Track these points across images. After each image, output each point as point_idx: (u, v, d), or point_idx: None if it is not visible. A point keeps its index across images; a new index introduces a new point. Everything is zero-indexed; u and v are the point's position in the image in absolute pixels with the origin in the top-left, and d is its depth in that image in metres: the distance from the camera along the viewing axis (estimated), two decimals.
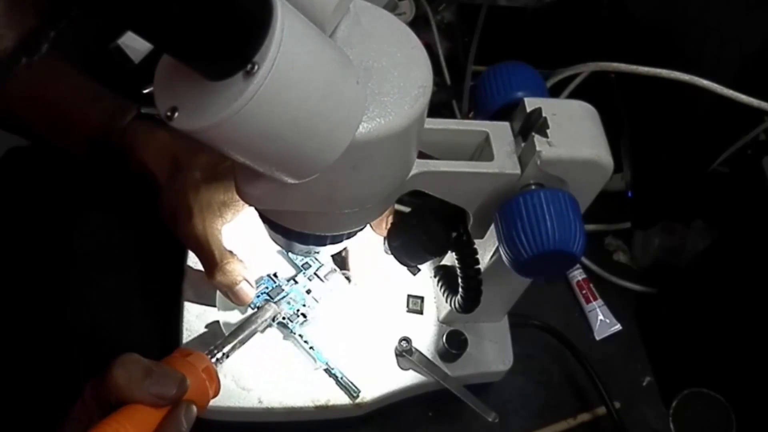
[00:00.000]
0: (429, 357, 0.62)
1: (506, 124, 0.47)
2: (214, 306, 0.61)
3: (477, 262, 0.51)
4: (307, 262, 0.65)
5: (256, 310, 0.61)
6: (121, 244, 0.70)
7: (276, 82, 0.30)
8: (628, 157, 0.78)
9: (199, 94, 0.31)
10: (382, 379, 0.61)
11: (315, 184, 0.37)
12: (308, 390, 0.59)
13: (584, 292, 0.74)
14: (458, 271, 0.52)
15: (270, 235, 0.49)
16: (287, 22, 0.31)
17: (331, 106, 0.34)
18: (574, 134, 0.45)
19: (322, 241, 0.47)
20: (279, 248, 0.64)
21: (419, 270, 0.67)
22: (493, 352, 0.64)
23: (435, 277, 0.60)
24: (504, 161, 0.46)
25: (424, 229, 0.52)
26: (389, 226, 0.56)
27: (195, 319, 0.61)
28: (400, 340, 0.61)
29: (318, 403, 0.59)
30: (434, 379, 0.61)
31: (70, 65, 0.64)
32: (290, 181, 0.36)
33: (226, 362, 0.54)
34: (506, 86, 0.49)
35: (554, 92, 0.71)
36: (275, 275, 0.64)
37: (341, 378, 0.60)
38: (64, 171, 0.71)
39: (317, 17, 0.34)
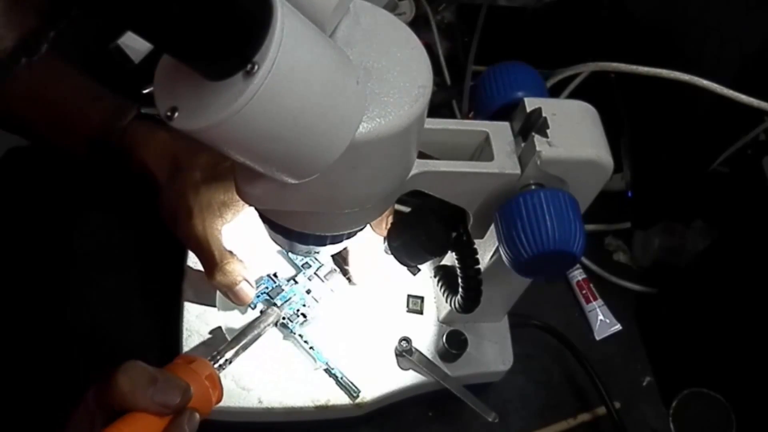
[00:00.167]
0: (429, 357, 0.62)
1: (506, 124, 0.47)
2: (214, 306, 0.61)
3: (477, 262, 0.51)
4: (307, 262, 0.65)
5: (258, 314, 0.61)
6: (121, 244, 0.70)
7: (276, 82, 0.30)
8: (628, 157, 0.78)
9: (199, 94, 0.31)
10: (382, 379, 0.61)
11: (315, 184, 0.37)
12: (308, 390, 0.59)
13: (584, 292, 0.74)
14: (458, 271, 0.52)
15: (270, 235, 0.49)
16: (287, 22, 0.31)
17: (331, 106, 0.34)
18: (574, 134, 0.45)
19: (322, 241, 0.47)
20: (279, 248, 0.64)
21: (419, 270, 0.67)
22: (493, 352, 0.64)
23: (435, 277, 0.60)
24: (504, 161, 0.46)
25: (424, 229, 0.52)
26: (389, 226, 0.56)
27: (195, 319, 0.61)
28: (400, 340, 0.61)
29: (318, 403, 0.59)
30: (434, 379, 0.61)
31: (70, 65, 0.64)
32: (290, 181, 0.36)
33: None
34: (506, 86, 0.49)
35: (554, 92, 0.71)
36: (275, 275, 0.64)
37: (341, 378, 0.60)
38: (64, 171, 0.71)
39: (317, 17, 0.34)
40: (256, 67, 0.30)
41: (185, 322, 0.61)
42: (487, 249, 0.54)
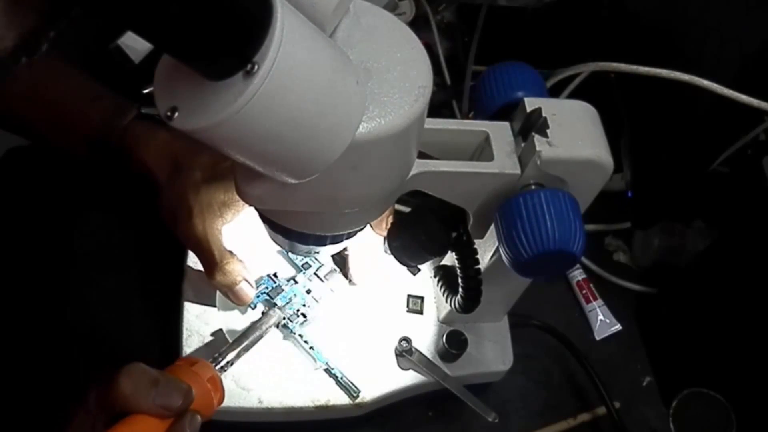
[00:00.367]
0: (429, 357, 0.62)
1: (506, 124, 0.47)
2: (214, 306, 0.61)
3: (477, 262, 0.51)
4: (307, 262, 0.65)
5: (260, 316, 0.61)
6: (121, 244, 0.70)
7: (276, 82, 0.30)
8: (628, 157, 0.78)
9: (199, 94, 0.31)
10: (382, 379, 0.61)
11: (315, 184, 0.37)
12: (308, 390, 0.59)
13: (584, 292, 0.74)
14: (458, 271, 0.52)
15: (270, 235, 0.49)
16: (287, 22, 0.31)
17: (331, 106, 0.34)
18: (574, 134, 0.45)
19: (322, 241, 0.47)
20: (279, 248, 0.64)
21: (419, 270, 0.67)
22: (493, 352, 0.64)
23: (435, 277, 0.60)
24: (504, 161, 0.46)
25: (424, 229, 0.52)
26: (389, 226, 0.56)
27: (195, 319, 0.61)
28: (400, 340, 0.61)
29: (318, 403, 0.59)
30: (434, 379, 0.61)
31: (70, 65, 0.64)
32: (290, 181, 0.36)
33: None
34: (506, 86, 0.49)
35: (554, 92, 0.71)
36: (275, 275, 0.64)
37: (341, 378, 0.60)
38: (64, 171, 0.71)
39: (317, 17, 0.34)
40: (256, 67, 0.30)
41: (185, 322, 0.61)
42: (487, 249, 0.54)
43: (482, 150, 0.47)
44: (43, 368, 0.62)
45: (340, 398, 0.59)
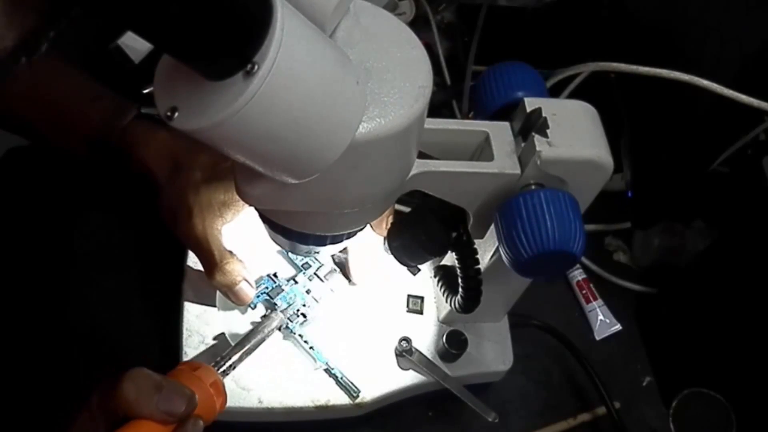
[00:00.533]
0: (429, 357, 0.62)
1: (506, 124, 0.47)
2: (214, 306, 0.61)
3: (477, 262, 0.51)
4: (307, 262, 0.65)
5: (261, 318, 0.60)
6: (121, 244, 0.70)
7: (276, 82, 0.30)
8: (628, 157, 0.78)
9: (199, 94, 0.31)
10: (382, 379, 0.61)
11: (315, 185, 0.37)
12: (308, 390, 0.59)
13: (584, 292, 0.74)
14: (458, 271, 0.52)
15: (270, 235, 0.49)
16: (287, 22, 0.31)
17: (331, 106, 0.34)
18: (574, 134, 0.45)
19: (322, 241, 0.47)
20: (279, 248, 0.64)
21: (419, 270, 0.67)
22: (493, 352, 0.64)
23: (435, 277, 0.60)
24: (504, 161, 0.46)
25: (424, 229, 0.52)
26: (389, 226, 0.56)
27: (195, 319, 0.61)
28: (400, 340, 0.61)
29: (318, 403, 0.59)
30: (434, 379, 0.61)
31: (70, 65, 0.64)
32: (290, 181, 0.36)
33: None
34: (506, 86, 0.49)
35: (554, 92, 0.71)
36: (275, 275, 0.64)
37: (341, 378, 0.60)
38: (64, 171, 0.71)
39: (317, 17, 0.34)
40: (256, 67, 0.30)
41: (185, 322, 0.61)
42: (487, 249, 0.54)
43: (482, 150, 0.47)
44: (43, 368, 0.62)
45: (340, 398, 0.59)
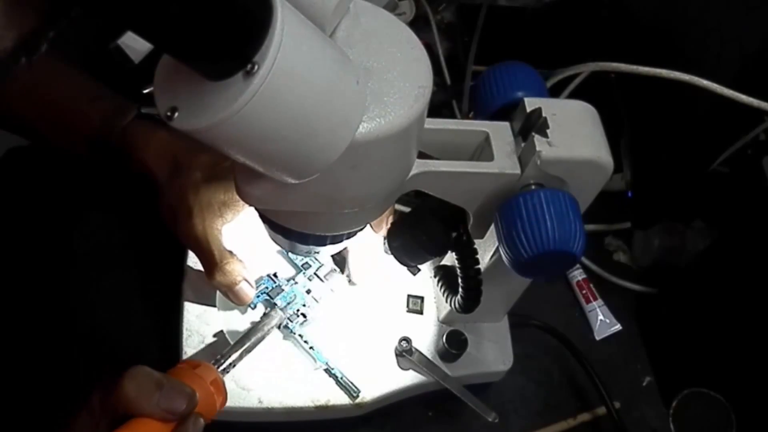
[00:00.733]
0: (429, 357, 0.62)
1: (506, 124, 0.47)
2: (214, 306, 0.61)
3: (477, 262, 0.51)
4: (307, 262, 0.65)
5: (261, 317, 0.60)
6: (121, 244, 0.70)
7: (276, 82, 0.30)
8: (628, 157, 0.78)
9: (199, 94, 0.31)
10: (382, 379, 0.61)
11: (315, 184, 0.37)
12: (308, 390, 0.59)
13: (584, 292, 0.74)
14: (458, 271, 0.52)
15: (270, 235, 0.49)
16: (287, 22, 0.31)
17: (331, 106, 0.34)
18: (574, 134, 0.45)
19: (322, 241, 0.47)
20: (279, 248, 0.64)
21: (419, 270, 0.67)
22: (493, 352, 0.64)
23: (435, 277, 0.60)
24: (504, 161, 0.46)
25: (424, 229, 0.52)
26: (389, 226, 0.56)
27: (195, 319, 0.61)
28: (400, 340, 0.61)
29: (318, 403, 0.59)
30: (434, 379, 0.61)
31: (70, 65, 0.64)
32: (290, 181, 0.36)
33: None
34: (506, 86, 0.49)
35: (554, 92, 0.71)
36: (275, 275, 0.64)
37: (341, 378, 0.60)
38: (64, 171, 0.71)
39: (317, 17, 0.34)
40: (256, 67, 0.30)
41: (185, 322, 0.61)
42: (487, 249, 0.54)
43: (482, 150, 0.47)
44: (44, 368, 0.62)
45: (340, 398, 0.59)
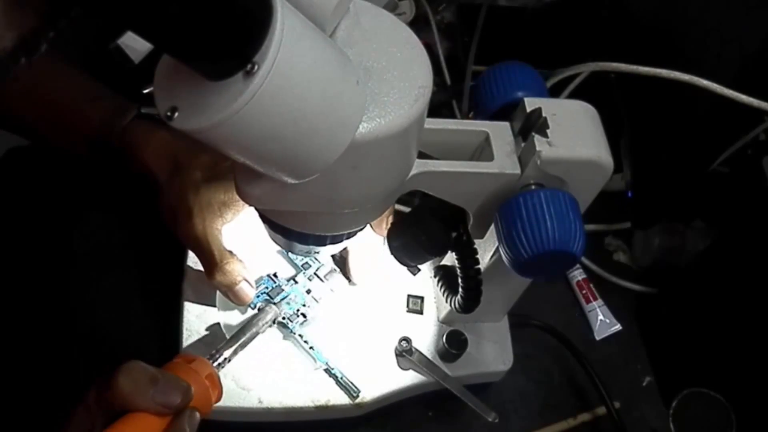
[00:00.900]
0: (429, 357, 0.62)
1: (506, 124, 0.47)
2: (214, 306, 0.61)
3: (477, 262, 0.51)
4: (307, 262, 0.65)
5: (256, 311, 0.61)
6: (121, 244, 0.70)
7: (276, 82, 0.30)
8: (628, 157, 0.78)
9: (199, 94, 0.31)
10: (382, 379, 0.61)
11: (315, 184, 0.37)
12: (308, 390, 0.59)
13: (584, 292, 0.74)
14: (458, 271, 0.52)
15: (270, 235, 0.49)
16: (287, 22, 0.31)
17: (331, 106, 0.34)
18: (574, 134, 0.45)
19: (322, 241, 0.47)
20: (279, 248, 0.64)
21: (419, 270, 0.67)
22: (493, 352, 0.64)
23: (435, 277, 0.60)
24: (504, 161, 0.46)
25: (424, 229, 0.52)
26: (389, 226, 0.56)
27: (195, 319, 0.61)
28: (400, 340, 0.61)
29: (318, 403, 0.59)
30: (434, 379, 0.61)
31: (70, 65, 0.64)
32: (290, 181, 0.36)
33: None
34: (506, 86, 0.49)
35: (554, 92, 0.71)
36: (275, 275, 0.64)
37: (341, 378, 0.60)
38: (64, 171, 0.71)
39: (317, 17, 0.34)
40: (256, 67, 0.30)
41: (185, 322, 0.61)
42: (487, 249, 0.54)
43: (482, 150, 0.47)
44: (43, 368, 0.62)
45: (340, 398, 0.59)
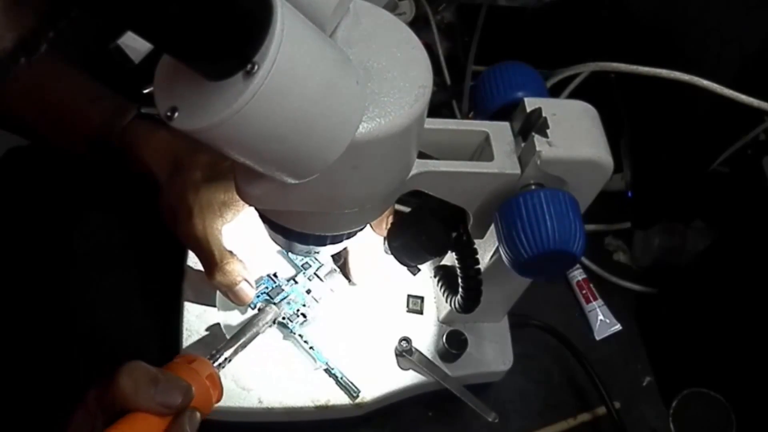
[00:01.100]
0: (429, 357, 0.62)
1: (506, 124, 0.47)
2: (214, 306, 0.61)
3: (477, 262, 0.51)
4: (307, 262, 0.65)
5: (256, 311, 0.61)
6: (121, 244, 0.70)
7: (276, 82, 0.30)
8: (628, 157, 0.78)
9: (199, 94, 0.31)
10: (382, 379, 0.61)
11: (315, 184, 0.37)
12: (308, 390, 0.59)
13: (584, 292, 0.74)
14: (458, 271, 0.52)
15: (270, 235, 0.49)
16: (287, 22, 0.31)
17: (331, 106, 0.34)
18: (574, 134, 0.45)
19: (322, 241, 0.47)
20: (279, 248, 0.64)
21: (419, 270, 0.67)
22: (493, 352, 0.64)
23: (435, 277, 0.60)
24: (504, 161, 0.46)
25: (424, 229, 0.52)
26: (389, 226, 0.56)
27: (195, 319, 0.61)
28: (400, 340, 0.61)
29: (318, 403, 0.59)
30: (434, 379, 0.61)
31: (70, 65, 0.64)
32: (290, 181, 0.36)
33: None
34: (506, 86, 0.49)
35: (554, 92, 0.71)
36: (275, 275, 0.64)
37: (341, 378, 0.60)
38: (64, 171, 0.71)
39: (317, 17, 0.34)
40: (256, 67, 0.30)
41: (185, 322, 0.61)
42: (487, 249, 0.54)
43: (482, 150, 0.47)
44: (43, 368, 0.62)
45: (340, 398, 0.59)
